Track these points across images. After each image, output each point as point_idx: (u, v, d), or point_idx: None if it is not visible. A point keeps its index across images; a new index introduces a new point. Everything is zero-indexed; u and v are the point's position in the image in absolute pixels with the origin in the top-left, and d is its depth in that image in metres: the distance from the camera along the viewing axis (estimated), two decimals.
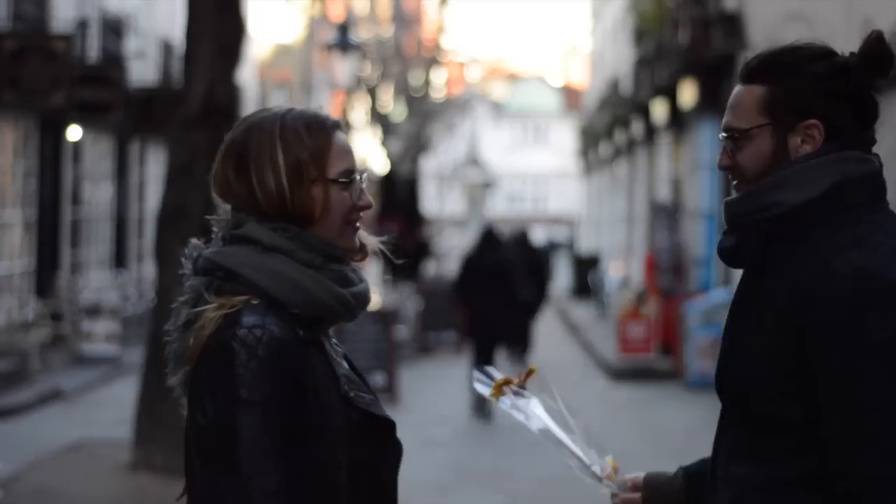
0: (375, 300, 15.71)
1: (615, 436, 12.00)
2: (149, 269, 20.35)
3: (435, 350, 20.72)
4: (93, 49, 19.27)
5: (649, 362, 18.05)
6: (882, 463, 2.39)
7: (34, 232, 17.43)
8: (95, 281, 19.86)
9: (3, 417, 13.19)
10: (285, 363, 2.35)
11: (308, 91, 37.03)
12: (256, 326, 2.36)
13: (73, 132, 18.53)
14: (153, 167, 22.74)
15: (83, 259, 19.88)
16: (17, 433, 12.47)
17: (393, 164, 33.70)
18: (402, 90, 37.97)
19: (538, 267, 18.80)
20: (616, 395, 16.51)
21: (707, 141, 18.96)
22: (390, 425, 2.51)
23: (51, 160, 18.15)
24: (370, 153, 32.89)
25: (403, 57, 38.52)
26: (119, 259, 21.84)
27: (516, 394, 2.79)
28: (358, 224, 2.52)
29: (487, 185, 61.55)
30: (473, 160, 61.02)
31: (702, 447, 2.78)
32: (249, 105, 29.14)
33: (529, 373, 2.81)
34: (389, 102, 35.92)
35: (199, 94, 10.44)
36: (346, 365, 2.51)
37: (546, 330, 23.63)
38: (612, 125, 30.98)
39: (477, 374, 2.85)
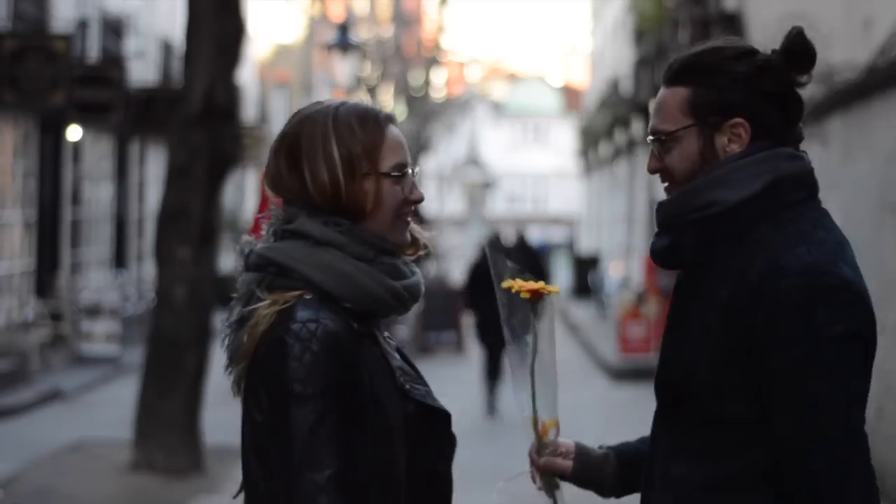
0: None
1: (615, 436, 11.96)
2: (149, 269, 20.35)
3: (435, 350, 20.72)
4: (93, 49, 19.26)
5: (649, 362, 18.03)
6: (836, 456, 2.41)
7: (34, 232, 17.43)
8: (95, 281, 19.85)
9: (3, 417, 13.19)
10: (339, 357, 2.33)
11: (308, 91, 37.02)
12: (310, 321, 2.34)
13: (73, 132, 18.53)
14: (153, 167, 22.73)
15: (83, 259, 19.87)
16: (17, 433, 12.47)
17: None
18: (402, 90, 37.99)
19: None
20: (616, 395, 16.50)
21: None
22: (446, 417, 2.49)
23: (51, 160, 18.14)
24: None
25: (403, 57, 38.54)
26: (119, 259, 21.84)
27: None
28: (409, 218, 2.50)
29: (487, 185, 61.54)
30: (473, 160, 61.01)
31: None
32: (249, 105, 29.16)
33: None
34: (389, 102, 35.93)
35: (199, 94, 10.44)
36: (398, 357, 2.49)
37: None
38: (612, 125, 30.96)
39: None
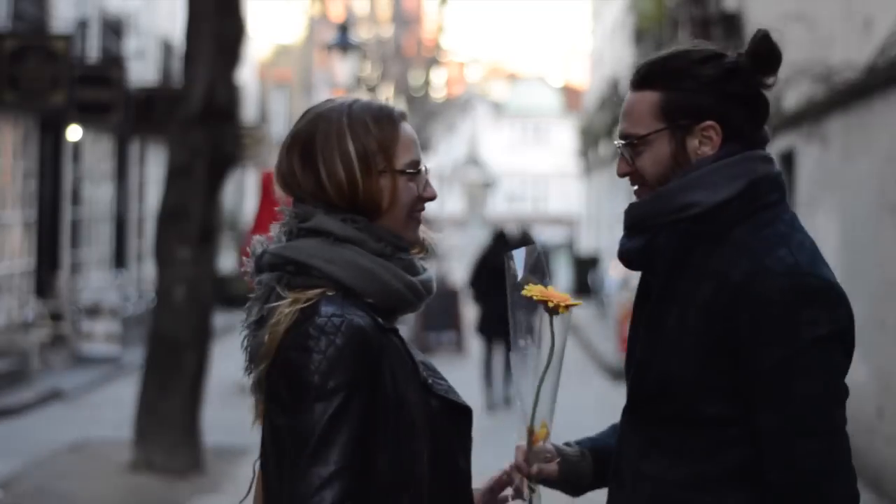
0: None
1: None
2: (149, 269, 20.35)
3: (435, 350, 20.72)
4: (93, 49, 19.26)
5: None
6: (819, 454, 2.43)
7: (34, 232, 17.42)
8: (95, 281, 19.85)
9: (3, 417, 13.19)
10: (364, 351, 2.32)
11: (308, 91, 37.01)
12: (335, 315, 2.33)
13: (73, 132, 18.52)
14: (153, 167, 22.73)
15: (83, 259, 19.87)
16: (17, 433, 12.47)
17: None
18: (402, 90, 38.01)
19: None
20: (616, 395, 16.49)
21: None
22: (468, 412, 2.49)
23: (51, 160, 18.14)
24: None
25: (403, 57, 38.57)
26: (119, 259, 21.83)
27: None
28: (420, 217, 2.51)
29: (487, 185, 61.52)
30: (473, 160, 61.01)
31: None
32: (249, 105, 29.15)
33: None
34: (389, 102, 35.98)
35: (199, 94, 10.44)
36: (420, 352, 2.50)
37: None
38: (612, 125, 30.95)
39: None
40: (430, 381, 2.44)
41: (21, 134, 16.79)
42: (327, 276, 2.39)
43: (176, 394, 10.36)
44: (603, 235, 36.21)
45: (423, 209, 2.51)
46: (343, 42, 20.57)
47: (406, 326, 19.77)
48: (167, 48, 23.09)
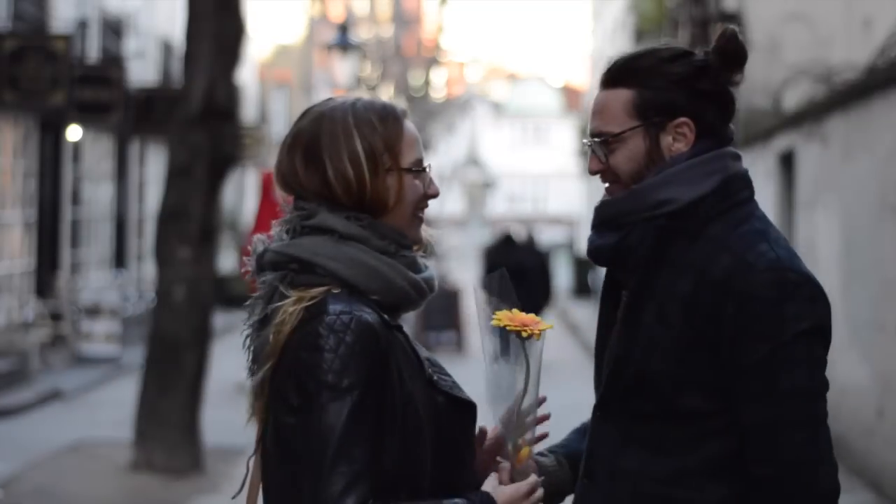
0: None
1: None
2: (149, 269, 20.35)
3: (435, 350, 20.74)
4: (93, 49, 19.27)
5: None
6: (804, 447, 2.46)
7: (34, 232, 17.42)
8: (95, 281, 19.85)
9: (3, 417, 13.19)
10: (374, 348, 2.32)
11: (308, 91, 37.02)
12: (344, 312, 2.32)
13: (73, 132, 18.53)
14: (153, 167, 22.73)
15: (83, 259, 19.87)
16: (17, 433, 12.46)
17: None
18: (402, 90, 38.02)
19: (543, 268, 18.86)
20: None
21: None
22: (473, 408, 2.49)
23: (51, 160, 18.14)
24: None
25: (403, 57, 38.59)
26: (119, 259, 21.84)
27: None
28: (423, 215, 2.51)
29: (487, 185, 61.58)
30: (473, 160, 61.06)
31: None
32: (249, 105, 29.15)
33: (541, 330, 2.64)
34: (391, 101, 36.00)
35: (198, 94, 10.44)
36: (424, 349, 2.50)
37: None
38: None
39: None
40: (435, 377, 2.44)
41: (21, 134, 16.80)
42: (332, 274, 2.38)
43: (176, 394, 10.36)
44: None
45: (427, 206, 2.51)
46: (343, 42, 20.57)
47: (406, 326, 19.80)
48: (167, 48, 23.09)
